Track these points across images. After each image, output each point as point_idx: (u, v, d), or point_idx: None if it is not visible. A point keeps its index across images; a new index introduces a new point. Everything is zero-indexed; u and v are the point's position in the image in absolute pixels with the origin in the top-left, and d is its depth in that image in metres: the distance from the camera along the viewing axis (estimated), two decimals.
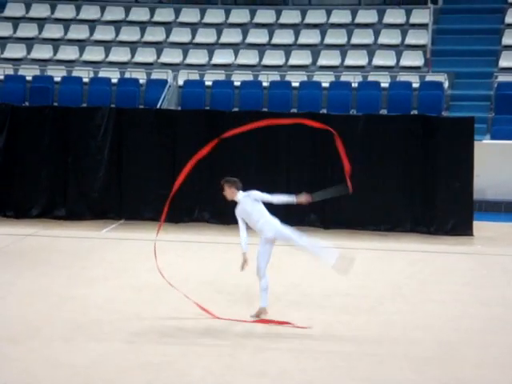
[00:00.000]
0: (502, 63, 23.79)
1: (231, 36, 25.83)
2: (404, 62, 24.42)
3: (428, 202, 17.46)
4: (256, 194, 11.05)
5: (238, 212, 11.06)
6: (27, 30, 26.37)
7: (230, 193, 11.10)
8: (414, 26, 25.48)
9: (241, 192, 11.10)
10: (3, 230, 16.97)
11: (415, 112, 21.81)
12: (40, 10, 27.03)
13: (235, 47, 25.49)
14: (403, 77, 23.66)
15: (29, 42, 25.93)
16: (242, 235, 10.93)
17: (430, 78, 23.57)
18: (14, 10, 27.13)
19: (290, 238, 11.00)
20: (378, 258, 15.31)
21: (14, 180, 18.43)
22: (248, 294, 12.01)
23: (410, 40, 25.00)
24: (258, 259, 10.92)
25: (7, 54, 25.59)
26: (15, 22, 26.68)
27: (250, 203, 10.95)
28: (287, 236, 10.97)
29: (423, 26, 25.24)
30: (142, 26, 26.40)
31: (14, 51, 25.67)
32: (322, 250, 10.96)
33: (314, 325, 10.87)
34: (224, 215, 17.63)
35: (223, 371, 9.13)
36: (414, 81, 23.21)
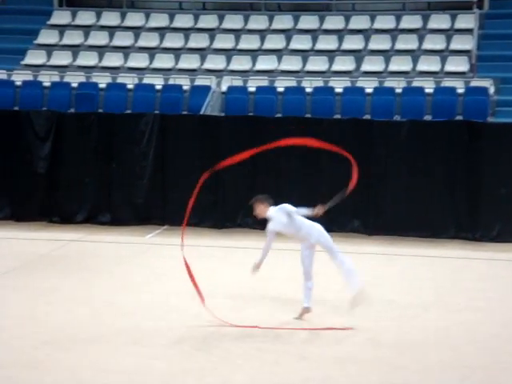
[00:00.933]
0: None
1: (274, 42, 25.84)
2: (449, 68, 24.22)
3: (473, 208, 17.31)
4: (288, 207, 11.13)
5: (273, 227, 11.11)
6: (73, 38, 26.62)
7: (261, 209, 11.19)
8: (458, 31, 25.26)
9: (272, 207, 11.07)
10: (49, 235, 17.17)
11: (460, 118, 21.62)
12: (85, 18, 27.29)
13: (278, 53, 25.50)
14: (448, 82, 23.47)
15: (74, 50, 26.18)
16: (266, 250, 11.10)
17: (475, 83, 23.35)
18: (59, 17, 27.43)
19: (331, 247, 11.11)
20: (421, 264, 15.22)
21: (59, 186, 18.64)
22: (290, 301, 11.99)
23: (454, 45, 24.79)
24: (305, 263, 11.09)
25: (53, 62, 25.86)
26: (61, 29, 26.98)
27: (285, 216, 11.00)
28: (329, 243, 11.02)
29: (468, 31, 25.02)
30: (186, 32, 26.52)
31: (60, 58, 25.93)
32: (352, 275, 11.07)
33: (357, 331, 10.84)
34: (267, 221, 17.66)
35: (267, 377, 9.12)
36: (459, 86, 23.01)
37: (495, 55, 24.41)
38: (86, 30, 26.93)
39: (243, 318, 11.18)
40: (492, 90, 22.92)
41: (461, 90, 22.83)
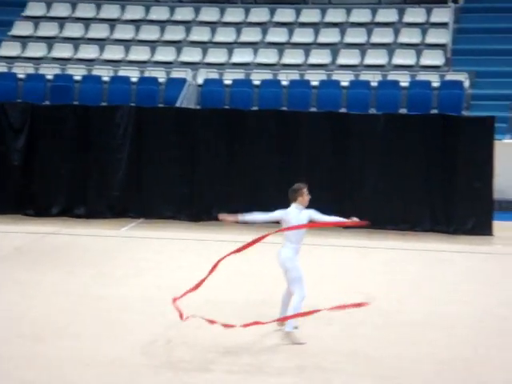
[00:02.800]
0: None
1: (251, 35, 25.82)
2: (424, 61, 24.33)
3: (448, 201, 17.40)
4: (313, 213, 10.43)
5: (286, 215, 10.28)
6: (48, 30, 26.47)
7: (305, 200, 10.45)
8: (434, 24, 25.38)
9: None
10: (24, 228, 17.07)
11: (435, 111, 21.72)
12: (60, 9, 27.12)
13: (254, 46, 25.48)
14: (423, 76, 23.58)
15: (49, 41, 26.03)
16: (258, 218, 10.48)
17: (450, 77, 23.48)
18: (34, 9, 27.25)
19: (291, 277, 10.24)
20: (397, 257, 15.28)
21: (34, 179, 18.52)
22: (266, 293, 12.00)
23: (430, 39, 24.90)
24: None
25: (28, 53, 25.70)
26: (36, 21, 26.80)
27: (305, 220, 10.33)
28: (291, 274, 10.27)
29: (444, 24, 25.14)
30: (162, 24, 26.45)
31: (35, 50, 25.77)
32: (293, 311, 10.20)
33: (332, 324, 10.87)
34: (243, 213, 17.66)
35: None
36: (434, 80, 23.12)
37: (470, 49, 24.55)
38: (61, 21, 26.78)
39: (218, 310, 11.17)
40: (467, 83, 23.05)
41: (436, 84, 22.95)
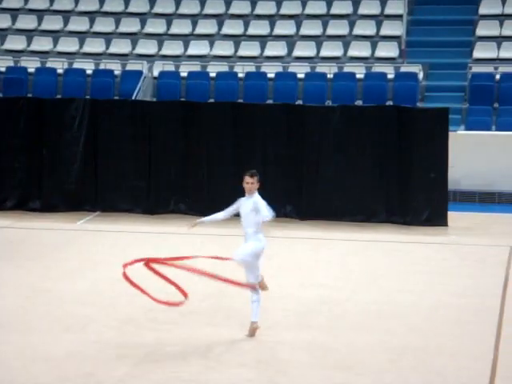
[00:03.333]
0: (476, 54, 23.89)
1: (206, 27, 25.76)
2: (379, 53, 24.46)
3: (403, 192, 17.52)
4: (259, 204, 10.08)
5: (238, 203, 10.23)
6: (1, 22, 26.15)
7: (254, 187, 10.17)
8: (388, 16, 25.51)
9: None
10: None
11: (390, 103, 21.86)
12: (12, 1, 26.71)
13: (210, 38, 25.43)
14: (378, 68, 23.71)
15: (2, 34, 25.75)
16: (219, 216, 10.26)
17: (404, 68, 23.64)
18: None
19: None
20: (353, 248, 15.37)
21: None
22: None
23: (384, 31, 25.03)
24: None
25: None
26: None
27: (250, 208, 10.11)
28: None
29: (398, 16, 25.28)
30: (117, 16, 26.27)
31: None
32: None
33: (288, 314, 10.91)
34: (200, 206, 17.65)
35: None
36: (389, 72, 23.27)
37: (424, 41, 24.74)
38: (14, 13, 26.47)
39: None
40: (421, 75, 23.23)
41: (391, 76, 23.10)
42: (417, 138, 17.48)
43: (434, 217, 17.41)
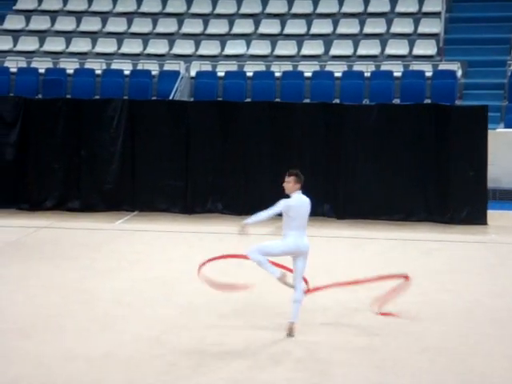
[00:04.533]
0: None
1: (243, 26, 25.79)
2: (417, 51, 24.32)
3: (442, 191, 17.41)
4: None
5: (288, 205, 10.03)
6: (39, 23, 26.41)
7: (290, 186, 10.15)
8: (426, 14, 25.36)
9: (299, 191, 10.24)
10: (17, 222, 17.05)
11: (428, 101, 21.72)
12: (52, 3, 27.06)
13: (247, 38, 25.45)
14: (416, 66, 23.57)
15: (41, 35, 25.97)
16: (263, 216, 9.97)
17: (443, 66, 23.47)
18: (26, 2, 27.17)
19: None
20: (392, 247, 15.29)
21: (27, 173, 18.49)
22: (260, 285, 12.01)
23: (422, 29, 24.89)
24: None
25: (20, 47, 25.64)
26: (28, 14, 26.73)
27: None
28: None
29: (436, 14, 25.12)
30: (154, 17, 26.40)
31: (27, 44, 25.72)
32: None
33: (327, 315, 10.88)
34: (237, 206, 17.68)
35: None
36: (427, 70, 23.13)
37: (462, 38, 24.56)
38: (53, 15, 26.72)
39: (218, 301, 11.18)
40: (459, 73, 23.06)
41: (429, 74, 22.95)
42: (455, 136, 17.34)
43: (474, 215, 17.27)
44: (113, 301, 11.43)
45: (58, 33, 26.11)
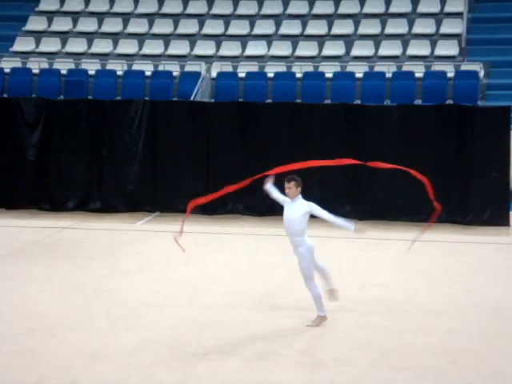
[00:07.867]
0: None
1: (264, 27, 25.78)
2: (438, 52, 24.21)
3: (464, 192, 17.33)
4: (315, 207, 10.38)
5: (285, 206, 10.50)
6: (61, 24, 26.52)
7: (292, 192, 10.47)
8: (448, 14, 25.25)
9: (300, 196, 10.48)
10: (39, 223, 17.14)
11: (450, 102, 21.63)
12: (74, 4, 27.17)
13: (268, 38, 25.45)
14: (438, 66, 23.46)
15: (63, 36, 26.09)
16: (281, 197, 10.70)
17: (465, 67, 23.36)
18: (48, 4, 27.31)
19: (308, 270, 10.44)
20: (412, 248, 15.20)
21: (49, 173, 18.58)
22: (282, 285, 12.02)
23: (444, 29, 24.78)
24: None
25: (42, 48, 25.77)
26: (50, 16, 26.87)
27: (300, 213, 10.34)
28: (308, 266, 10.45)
29: (458, 14, 25.01)
30: (175, 18, 26.44)
31: (49, 45, 25.84)
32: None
33: (348, 314, 10.86)
34: (258, 207, 17.68)
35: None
36: (449, 70, 23.02)
37: (485, 39, 24.43)
38: (75, 16, 26.83)
39: (237, 303, 11.20)
40: (482, 73, 22.94)
41: (451, 74, 22.85)
42: (477, 137, 17.27)
43: (495, 217, 17.18)
44: (137, 301, 11.48)
45: (80, 34, 26.21)
